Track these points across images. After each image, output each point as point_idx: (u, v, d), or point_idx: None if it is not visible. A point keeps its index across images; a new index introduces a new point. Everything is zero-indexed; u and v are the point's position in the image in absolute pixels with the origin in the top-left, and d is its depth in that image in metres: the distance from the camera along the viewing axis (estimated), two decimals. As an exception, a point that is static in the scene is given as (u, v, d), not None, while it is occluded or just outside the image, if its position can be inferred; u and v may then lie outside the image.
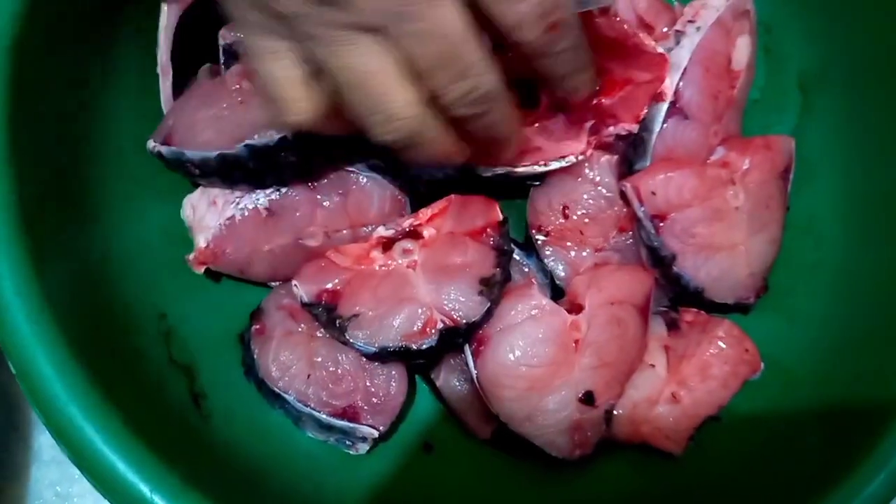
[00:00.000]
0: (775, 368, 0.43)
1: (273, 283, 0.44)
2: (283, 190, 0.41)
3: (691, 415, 0.42)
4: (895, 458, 0.33)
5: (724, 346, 0.43)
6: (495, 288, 0.40)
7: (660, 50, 0.42)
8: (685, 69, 0.42)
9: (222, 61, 0.43)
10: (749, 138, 0.45)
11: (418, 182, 0.44)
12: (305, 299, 0.40)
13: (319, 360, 0.41)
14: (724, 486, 0.41)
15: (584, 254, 0.45)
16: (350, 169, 0.42)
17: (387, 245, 0.42)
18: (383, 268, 0.41)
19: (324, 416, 0.41)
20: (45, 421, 0.33)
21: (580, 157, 0.42)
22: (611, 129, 0.43)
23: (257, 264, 0.43)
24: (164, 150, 0.40)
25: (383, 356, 0.40)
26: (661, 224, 0.42)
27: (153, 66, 0.43)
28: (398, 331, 0.39)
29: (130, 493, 0.32)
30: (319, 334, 0.42)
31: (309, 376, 0.41)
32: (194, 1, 0.43)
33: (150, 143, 0.41)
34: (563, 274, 0.45)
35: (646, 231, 0.42)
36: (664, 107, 0.42)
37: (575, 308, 0.41)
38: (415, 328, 0.39)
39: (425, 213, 0.42)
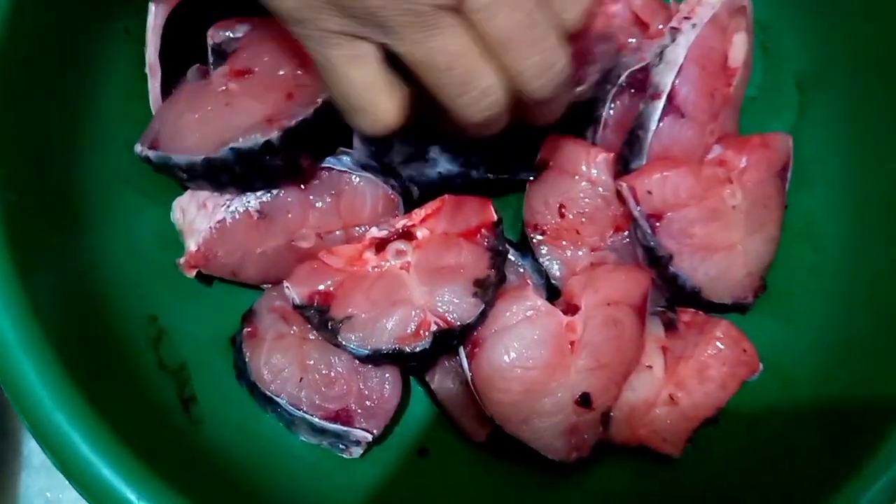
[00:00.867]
0: (774, 370, 0.43)
1: (265, 286, 0.44)
2: (275, 192, 0.41)
3: (689, 417, 0.42)
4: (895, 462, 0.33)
5: (722, 346, 0.42)
6: (490, 289, 0.40)
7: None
8: (681, 67, 0.42)
9: (210, 61, 0.42)
10: (746, 136, 0.44)
11: (414, 183, 0.43)
12: (297, 301, 0.40)
13: (312, 362, 0.41)
14: (722, 489, 0.41)
15: (581, 253, 0.44)
16: (342, 169, 0.41)
17: (380, 246, 0.41)
18: (376, 269, 0.41)
19: (316, 420, 0.40)
20: (30, 428, 0.33)
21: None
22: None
23: (249, 267, 0.42)
24: (150, 154, 0.40)
25: (376, 359, 0.40)
26: (658, 224, 0.42)
27: (142, 67, 0.42)
28: (391, 333, 0.39)
29: (118, 500, 0.32)
30: (312, 337, 0.41)
31: (301, 379, 0.41)
32: (182, 0, 0.42)
33: (138, 147, 0.40)
34: (558, 274, 0.44)
35: (642, 231, 0.42)
36: (660, 105, 0.42)
37: (571, 309, 0.41)
38: (408, 330, 0.39)
39: (419, 213, 0.42)
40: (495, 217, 0.41)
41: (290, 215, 0.42)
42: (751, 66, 0.46)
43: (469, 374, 0.40)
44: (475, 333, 0.40)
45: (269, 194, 0.41)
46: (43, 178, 0.38)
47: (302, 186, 0.41)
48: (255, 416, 0.42)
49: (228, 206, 0.41)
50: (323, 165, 0.41)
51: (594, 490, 0.42)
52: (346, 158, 0.41)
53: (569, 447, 0.40)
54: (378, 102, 0.33)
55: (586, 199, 0.44)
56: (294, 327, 0.41)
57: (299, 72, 0.40)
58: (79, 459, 0.32)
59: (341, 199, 0.42)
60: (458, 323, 0.39)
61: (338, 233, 0.42)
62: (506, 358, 0.39)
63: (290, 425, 0.41)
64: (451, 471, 0.43)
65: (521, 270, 0.44)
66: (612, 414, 0.41)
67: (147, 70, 0.42)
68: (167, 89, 0.42)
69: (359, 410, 0.41)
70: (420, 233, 0.41)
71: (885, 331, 0.39)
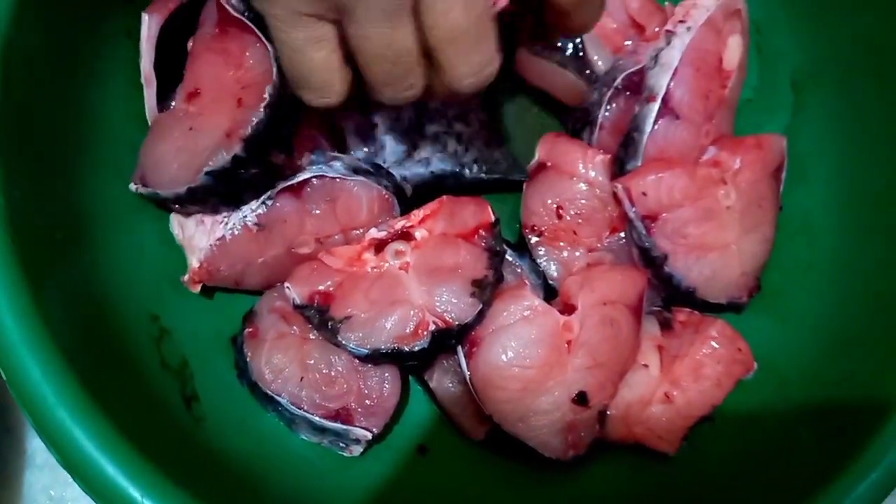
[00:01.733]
0: (768, 368, 0.43)
1: (267, 288, 0.44)
2: (270, 203, 0.41)
3: (685, 415, 0.42)
4: (887, 458, 0.33)
5: (717, 345, 0.43)
6: (487, 289, 0.40)
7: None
8: (676, 69, 0.42)
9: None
10: (740, 137, 0.45)
11: (407, 182, 0.44)
12: (298, 301, 0.40)
13: (312, 362, 0.41)
14: (717, 486, 0.41)
15: (578, 254, 0.45)
16: (334, 175, 0.41)
17: (379, 247, 0.42)
18: (375, 269, 0.41)
19: (317, 419, 0.41)
20: (35, 425, 0.33)
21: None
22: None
23: (251, 276, 0.43)
24: (143, 191, 0.42)
25: (376, 358, 0.40)
26: (653, 224, 0.42)
27: (142, 73, 0.43)
28: (390, 333, 0.39)
29: (121, 497, 0.32)
30: (312, 336, 0.42)
31: (302, 379, 0.41)
32: (175, 10, 0.43)
33: (132, 186, 0.42)
34: (555, 274, 0.45)
35: (637, 231, 0.42)
36: (655, 107, 0.42)
37: (568, 308, 0.41)
38: (407, 330, 0.39)
39: (417, 214, 0.42)
40: (493, 217, 0.42)
41: (287, 224, 0.42)
42: (746, 68, 0.47)
43: (467, 373, 0.40)
44: (473, 333, 0.40)
45: (264, 206, 0.41)
46: (48, 180, 0.39)
47: (297, 195, 0.41)
48: (256, 414, 0.42)
49: (226, 224, 0.42)
50: (316, 174, 0.41)
51: (591, 487, 0.42)
52: (337, 164, 0.42)
53: (566, 445, 0.41)
54: (333, 82, 0.36)
55: (583, 201, 0.45)
56: (294, 327, 0.42)
57: (240, 72, 0.41)
58: (82, 457, 0.33)
59: (337, 203, 0.42)
60: (457, 322, 0.39)
61: (336, 237, 0.43)
62: (503, 357, 0.40)
63: (291, 424, 0.42)
64: (450, 468, 0.43)
65: (519, 270, 0.44)
66: (608, 412, 0.42)
67: (143, 80, 0.43)
68: (163, 99, 0.43)
69: (359, 409, 0.41)
70: (419, 233, 0.42)
71: (879, 329, 0.39)
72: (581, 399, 0.40)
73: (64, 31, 0.39)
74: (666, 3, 0.47)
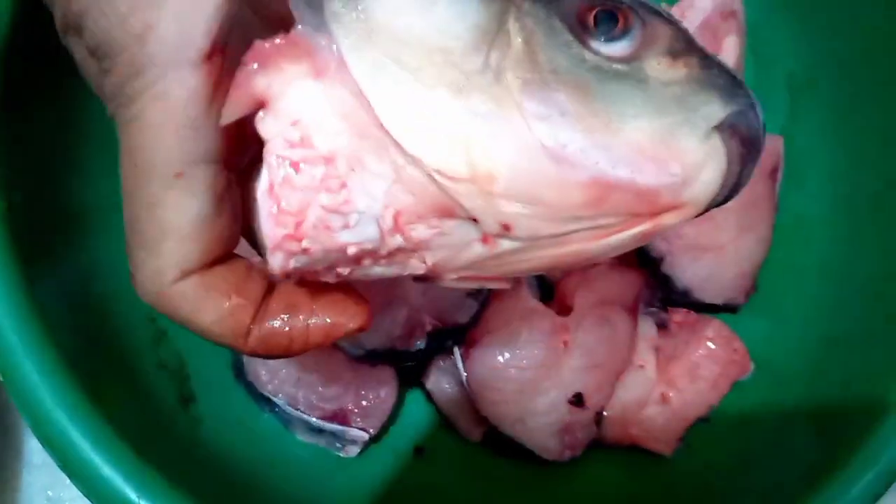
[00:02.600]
0: (765, 369, 0.43)
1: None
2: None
3: (681, 416, 0.42)
4: (883, 457, 0.33)
5: (713, 346, 0.43)
6: (484, 290, 0.40)
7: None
8: (672, 70, 0.43)
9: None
10: (737, 139, 0.45)
11: None
12: (294, 303, 0.40)
13: (309, 363, 0.41)
14: (713, 487, 0.41)
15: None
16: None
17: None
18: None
19: (314, 420, 0.41)
20: (32, 426, 0.33)
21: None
22: None
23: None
24: None
25: (372, 359, 0.40)
26: (650, 225, 0.42)
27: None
28: (386, 333, 0.39)
29: (118, 498, 0.32)
30: (309, 338, 0.42)
31: (298, 379, 0.41)
32: None
33: None
34: (552, 275, 0.45)
35: (634, 232, 0.42)
36: (652, 108, 0.42)
37: (564, 309, 0.42)
38: (403, 331, 0.39)
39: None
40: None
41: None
42: (743, 69, 0.47)
43: (464, 374, 0.40)
44: (470, 334, 0.40)
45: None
46: (47, 181, 0.39)
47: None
48: (253, 415, 0.42)
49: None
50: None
51: (587, 488, 0.42)
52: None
53: (562, 446, 0.41)
54: None
55: (580, 201, 0.45)
56: (291, 328, 0.42)
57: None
58: (79, 457, 0.32)
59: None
60: (453, 323, 0.39)
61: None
62: (500, 358, 0.40)
63: (288, 425, 0.42)
64: (447, 470, 0.43)
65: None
66: (604, 413, 0.42)
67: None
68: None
69: (355, 410, 0.41)
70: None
71: (875, 330, 0.39)
72: (577, 400, 0.40)
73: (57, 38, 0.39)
74: (662, 3, 0.47)
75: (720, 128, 0.23)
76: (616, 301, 0.42)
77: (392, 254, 0.23)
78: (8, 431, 0.45)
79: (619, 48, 0.22)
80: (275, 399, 0.41)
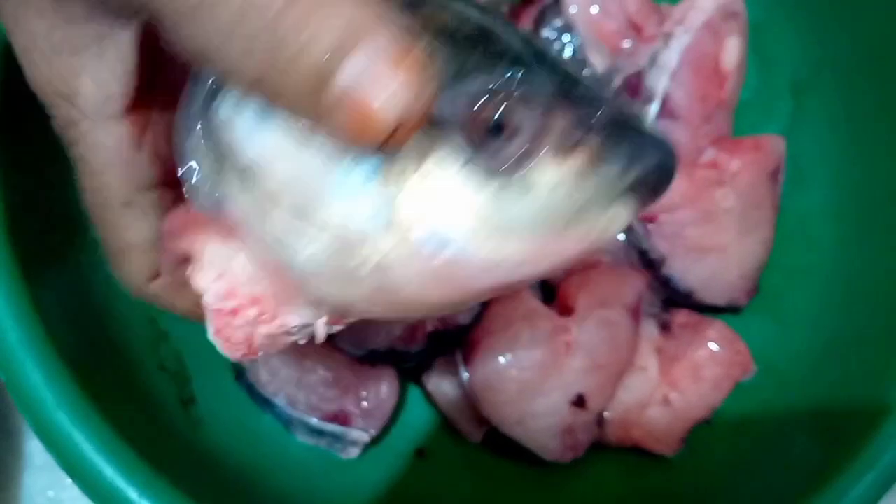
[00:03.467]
0: (767, 370, 0.43)
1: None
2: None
3: (683, 418, 0.42)
4: (883, 459, 0.33)
5: (715, 347, 0.43)
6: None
7: None
8: (674, 71, 0.42)
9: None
10: (739, 139, 0.45)
11: None
12: (295, 304, 0.40)
13: (309, 364, 0.41)
14: (715, 489, 0.41)
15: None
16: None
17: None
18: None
19: (314, 421, 0.41)
20: (33, 427, 0.33)
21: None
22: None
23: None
24: None
25: (373, 359, 0.40)
26: (651, 226, 0.42)
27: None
28: (387, 334, 0.39)
29: (119, 498, 0.32)
30: (309, 338, 0.42)
31: (299, 380, 0.41)
32: None
33: None
34: (554, 276, 0.45)
35: (636, 233, 0.42)
36: (653, 109, 0.42)
37: (566, 310, 0.41)
38: (404, 332, 0.39)
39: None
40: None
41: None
42: (745, 70, 0.47)
43: (465, 376, 0.40)
44: (471, 335, 0.40)
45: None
46: (46, 183, 0.39)
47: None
48: (253, 416, 0.42)
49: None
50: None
51: (589, 490, 0.42)
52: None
53: (564, 447, 0.41)
54: None
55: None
56: (292, 329, 0.42)
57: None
58: (81, 458, 0.32)
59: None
60: (454, 325, 0.39)
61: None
62: (501, 359, 0.40)
63: (289, 426, 0.42)
64: (448, 471, 0.43)
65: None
66: (606, 414, 0.42)
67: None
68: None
69: (356, 411, 0.41)
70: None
71: (877, 331, 0.39)
72: (579, 401, 0.40)
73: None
74: (663, 3, 0.47)
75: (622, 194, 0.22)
76: (618, 302, 0.42)
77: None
78: (9, 433, 0.45)
79: (506, 156, 0.21)
80: (275, 400, 0.41)
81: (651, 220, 0.42)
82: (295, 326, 0.26)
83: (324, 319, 0.26)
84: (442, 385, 0.43)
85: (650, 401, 0.42)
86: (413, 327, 0.39)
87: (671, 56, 0.43)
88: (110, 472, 0.33)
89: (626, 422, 0.42)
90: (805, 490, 0.34)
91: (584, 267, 0.44)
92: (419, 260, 0.22)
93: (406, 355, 0.39)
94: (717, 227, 0.43)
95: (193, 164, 0.25)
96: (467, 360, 0.40)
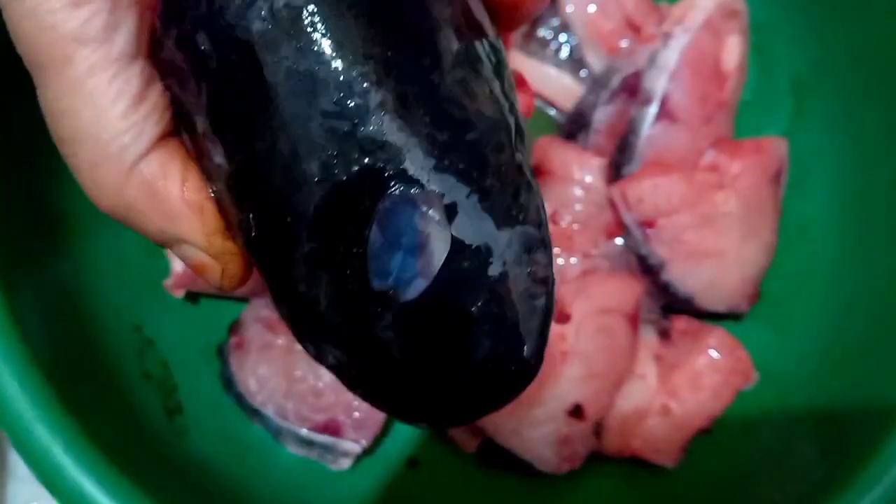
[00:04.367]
0: (769, 378, 0.42)
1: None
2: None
3: (683, 427, 0.41)
4: (891, 473, 0.32)
5: (716, 354, 0.42)
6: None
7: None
8: (673, 72, 0.42)
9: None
10: (739, 141, 0.44)
11: None
12: (284, 311, 0.39)
13: (299, 373, 0.40)
14: (716, 499, 0.40)
15: (573, 261, 0.44)
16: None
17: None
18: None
19: (304, 432, 0.40)
20: (12, 440, 0.32)
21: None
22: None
23: (236, 281, 0.42)
24: None
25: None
26: (650, 231, 0.41)
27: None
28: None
29: (99, 513, 0.31)
30: (299, 347, 0.41)
31: (288, 390, 0.40)
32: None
33: None
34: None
35: (634, 238, 0.41)
36: (652, 110, 0.41)
37: (562, 317, 0.40)
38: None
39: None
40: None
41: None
42: (746, 70, 0.46)
43: (459, 384, 0.39)
44: (465, 343, 0.39)
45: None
46: (27, 187, 0.38)
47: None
48: (241, 427, 0.41)
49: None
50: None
51: (586, 502, 0.42)
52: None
53: (560, 458, 0.40)
54: None
55: (579, 206, 0.44)
56: (281, 338, 0.41)
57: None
58: (59, 472, 0.32)
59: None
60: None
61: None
62: (496, 368, 0.39)
63: (278, 436, 0.41)
64: (442, 482, 0.42)
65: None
66: (604, 424, 0.41)
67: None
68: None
69: (347, 421, 0.40)
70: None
71: (881, 338, 0.38)
72: (576, 411, 0.39)
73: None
74: (662, 2, 0.46)
75: None
76: (616, 309, 0.41)
77: None
78: (-8, 443, 0.45)
79: None
80: (263, 410, 0.40)
81: (650, 224, 0.41)
82: None
83: None
84: (435, 394, 0.42)
85: (649, 410, 0.41)
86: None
87: (670, 56, 0.42)
88: (90, 487, 0.32)
89: (624, 432, 0.41)
90: (808, 502, 0.34)
91: (581, 273, 0.43)
92: None
93: (398, 364, 0.38)
94: (718, 232, 0.42)
95: None
96: (461, 369, 0.39)
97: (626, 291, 0.41)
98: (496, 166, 0.21)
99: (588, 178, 0.43)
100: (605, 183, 0.43)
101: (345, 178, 0.20)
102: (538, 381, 0.38)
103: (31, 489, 0.45)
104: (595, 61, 0.46)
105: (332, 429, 0.40)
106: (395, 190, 0.20)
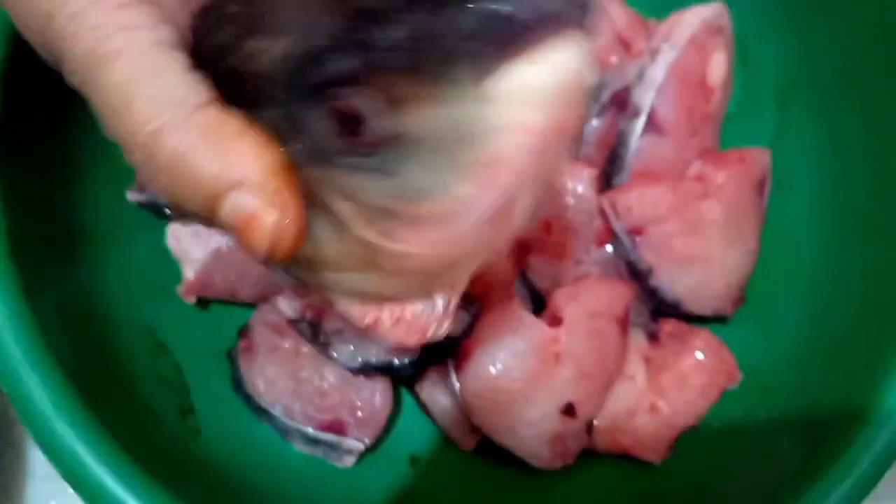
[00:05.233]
0: (752, 377, 0.44)
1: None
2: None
3: (670, 424, 0.43)
4: (861, 465, 0.34)
5: (701, 356, 0.44)
6: (476, 302, 0.41)
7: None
8: (660, 86, 0.43)
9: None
10: (724, 152, 0.46)
11: None
12: (290, 315, 0.41)
13: (305, 374, 0.42)
14: (703, 494, 0.42)
15: (565, 267, 0.46)
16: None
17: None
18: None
19: (310, 430, 0.42)
20: (36, 439, 0.34)
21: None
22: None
23: (246, 289, 0.44)
24: (140, 198, 0.42)
25: (367, 371, 0.41)
26: (638, 238, 0.43)
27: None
28: (381, 346, 0.40)
29: (119, 508, 0.33)
30: (305, 350, 0.43)
31: (295, 391, 0.42)
32: None
33: (129, 195, 0.43)
34: (543, 287, 0.45)
35: (623, 245, 0.43)
36: (640, 123, 0.43)
37: (555, 321, 0.42)
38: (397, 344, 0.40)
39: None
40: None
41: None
42: (731, 84, 0.48)
43: (457, 385, 0.41)
44: (463, 345, 0.41)
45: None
46: (47, 197, 0.40)
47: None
48: (250, 426, 0.43)
49: (222, 235, 0.43)
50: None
51: (579, 496, 0.43)
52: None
53: (553, 455, 0.41)
54: None
55: (571, 214, 0.46)
56: (288, 341, 0.43)
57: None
58: (82, 468, 0.33)
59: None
60: (447, 336, 0.40)
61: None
62: (492, 369, 0.40)
63: (285, 435, 0.43)
64: (442, 478, 0.44)
65: (508, 283, 0.45)
66: (595, 422, 0.43)
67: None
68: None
69: (351, 421, 0.42)
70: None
71: (857, 339, 0.40)
72: (569, 410, 0.41)
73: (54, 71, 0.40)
74: (651, 19, 0.48)
75: None
76: (606, 313, 0.42)
77: None
78: (13, 444, 0.46)
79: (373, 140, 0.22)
80: (272, 410, 0.42)
81: (638, 232, 0.43)
82: None
83: None
84: (435, 394, 0.44)
85: (638, 409, 0.43)
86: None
87: (657, 71, 0.44)
88: (110, 482, 0.33)
89: (614, 429, 0.43)
90: (786, 495, 0.35)
91: (573, 279, 0.45)
92: None
93: (399, 366, 0.40)
94: (703, 239, 0.44)
95: None
96: (459, 370, 0.41)
97: (616, 296, 0.43)
98: None
99: (579, 188, 0.45)
100: (595, 193, 0.45)
101: None
102: (533, 382, 0.41)
103: (50, 487, 0.46)
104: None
105: (336, 428, 0.42)
106: None
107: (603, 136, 0.46)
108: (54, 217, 0.40)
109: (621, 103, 0.45)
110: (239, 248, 0.23)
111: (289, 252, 0.23)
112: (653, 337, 0.45)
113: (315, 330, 0.41)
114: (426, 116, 0.21)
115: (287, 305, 0.41)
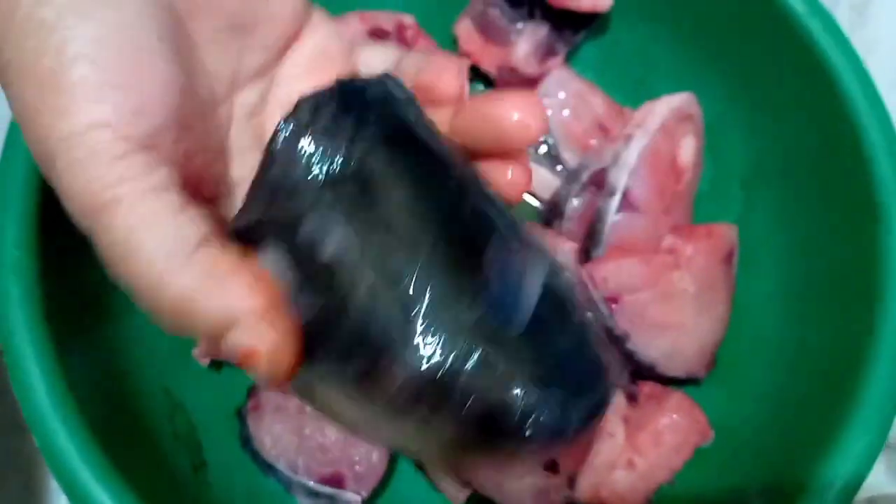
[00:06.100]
0: (724, 435, 0.47)
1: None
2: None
3: (647, 479, 0.46)
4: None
5: (676, 416, 0.47)
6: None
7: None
8: (633, 168, 0.48)
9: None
10: (694, 226, 0.50)
11: None
12: (296, 377, 0.45)
13: (308, 432, 0.46)
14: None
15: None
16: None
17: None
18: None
19: (311, 483, 0.45)
20: (64, 489, 0.37)
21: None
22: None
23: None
24: None
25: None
26: (615, 306, 0.47)
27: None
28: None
29: (138, 552, 0.36)
30: (308, 409, 0.46)
31: (299, 446, 0.45)
32: None
33: None
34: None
35: (601, 312, 0.47)
36: (615, 201, 0.48)
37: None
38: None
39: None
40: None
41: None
42: (701, 165, 0.52)
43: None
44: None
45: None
46: (74, 265, 0.43)
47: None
48: (258, 480, 0.46)
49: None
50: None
51: (562, 547, 0.46)
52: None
53: (538, 507, 0.45)
54: None
55: (555, 284, 0.49)
56: (292, 401, 0.46)
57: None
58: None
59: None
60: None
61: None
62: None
63: (289, 489, 0.46)
64: (435, 531, 0.47)
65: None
66: (577, 476, 0.46)
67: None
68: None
69: (349, 474, 0.45)
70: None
71: (814, 399, 0.43)
72: (551, 466, 0.44)
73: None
74: (627, 107, 0.53)
75: None
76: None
77: None
78: (35, 494, 0.49)
79: None
80: (277, 465, 0.45)
81: (615, 300, 0.47)
82: None
83: None
84: (428, 451, 0.47)
85: (617, 464, 0.46)
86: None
87: (630, 155, 0.48)
88: (131, 531, 0.37)
89: (595, 483, 0.46)
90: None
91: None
92: None
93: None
94: (676, 307, 0.47)
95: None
96: (450, 428, 0.44)
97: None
98: None
99: (561, 260, 0.49)
100: (576, 264, 0.49)
101: None
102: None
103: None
104: (569, 158, 0.53)
105: (335, 481, 0.45)
106: None
107: (583, 213, 0.50)
108: (85, 289, 0.43)
109: (599, 183, 0.49)
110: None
111: (286, 377, 0.26)
112: (632, 398, 0.48)
113: (318, 390, 0.44)
114: None
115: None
